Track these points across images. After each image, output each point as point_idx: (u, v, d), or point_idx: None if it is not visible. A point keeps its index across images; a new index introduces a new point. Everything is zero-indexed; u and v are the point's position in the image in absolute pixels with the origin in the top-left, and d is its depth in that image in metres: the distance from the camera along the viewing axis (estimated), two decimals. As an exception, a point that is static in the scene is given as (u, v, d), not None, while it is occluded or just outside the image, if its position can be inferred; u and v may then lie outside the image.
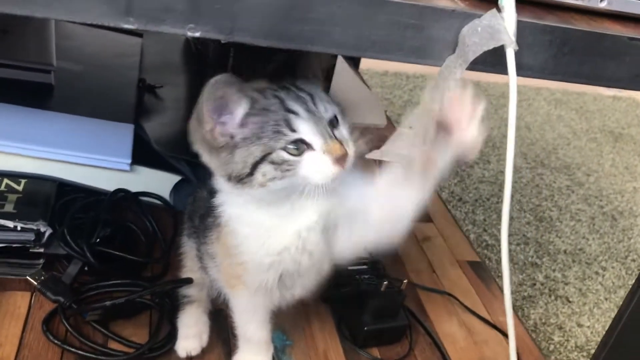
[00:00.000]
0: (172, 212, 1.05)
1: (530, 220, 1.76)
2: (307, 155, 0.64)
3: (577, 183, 2.02)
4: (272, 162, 0.63)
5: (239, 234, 0.72)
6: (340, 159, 0.64)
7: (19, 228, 0.88)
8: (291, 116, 0.64)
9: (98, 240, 0.94)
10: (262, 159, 0.63)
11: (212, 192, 0.74)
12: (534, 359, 1.00)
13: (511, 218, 1.75)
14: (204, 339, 0.87)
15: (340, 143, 0.64)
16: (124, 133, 1.04)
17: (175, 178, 1.05)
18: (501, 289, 1.20)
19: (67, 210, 0.96)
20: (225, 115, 0.63)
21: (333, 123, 0.66)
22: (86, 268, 0.91)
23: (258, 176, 0.64)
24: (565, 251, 1.66)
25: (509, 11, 0.52)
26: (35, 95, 1.07)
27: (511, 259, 1.58)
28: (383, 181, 0.67)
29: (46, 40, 1.12)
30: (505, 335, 1.02)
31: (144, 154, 1.04)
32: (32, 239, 0.89)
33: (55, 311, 0.86)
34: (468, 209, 1.74)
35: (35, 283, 0.88)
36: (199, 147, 0.66)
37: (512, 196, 1.84)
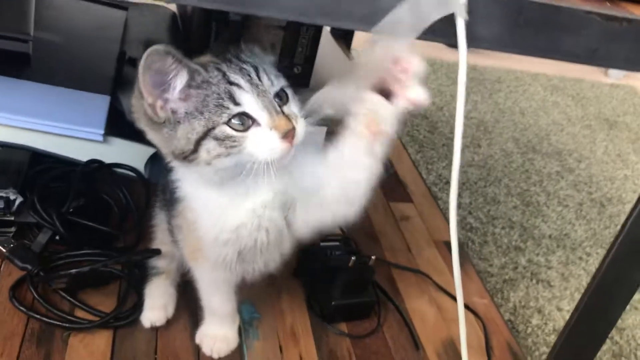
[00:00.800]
0: (146, 184, 1.05)
1: (517, 204, 1.76)
2: (253, 131, 0.62)
3: (567, 169, 2.01)
4: (216, 138, 0.61)
5: (195, 210, 0.72)
6: (288, 135, 0.62)
7: (-13, 195, 0.88)
8: (234, 88, 0.62)
9: (70, 210, 0.94)
10: (205, 135, 0.61)
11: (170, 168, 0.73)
12: (503, 339, 1.00)
13: (498, 202, 1.74)
14: (170, 310, 0.88)
15: (288, 118, 0.63)
16: (99, 104, 1.04)
17: (150, 150, 1.05)
18: (477, 271, 1.20)
19: (39, 180, 0.96)
20: (165, 89, 0.61)
21: (281, 97, 0.64)
22: (57, 237, 0.92)
23: (202, 153, 0.62)
24: (550, 236, 1.66)
25: (459, -22, 0.51)
26: (11, 64, 1.06)
27: (495, 242, 1.58)
28: (333, 161, 0.66)
29: (25, 10, 1.11)
30: (476, 315, 1.02)
31: (120, 126, 1.04)
32: (2, 206, 0.90)
33: (23, 279, 0.87)
34: (455, 191, 1.73)
35: (4, 250, 0.88)
36: (141, 124, 0.64)
37: (500, 180, 1.84)
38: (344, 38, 1.85)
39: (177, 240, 0.84)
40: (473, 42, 0.53)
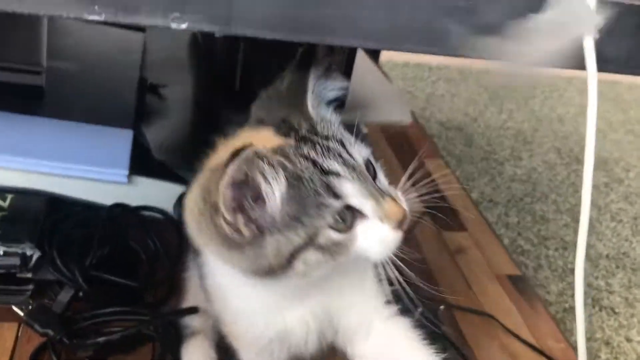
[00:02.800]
0: (177, 227, 0.95)
1: (568, 222, 1.63)
2: (361, 228, 0.49)
3: (616, 180, 1.88)
4: (320, 247, 0.49)
5: (229, 305, 0.60)
6: (401, 222, 0.50)
7: (1, 252, 0.79)
8: (331, 178, 0.48)
9: (93, 262, 0.84)
10: (304, 246, 0.49)
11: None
12: (587, 389, 0.88)
13: (547, 220, 1.62)
14: (212, 375, 0.77)
15: (394, 200, 0.50)
16: (122, 140, 0.94)
17: (179, 189, 0.95)
18: (543, 303, 1.08)
19: (58, 229, 0.86)
20: (253, 201, 0.48)
21: (369, 170, 0.52)
22: (80, 294, 0.82)
23: (298, 265, 0.49)
24: (607, 256, 1.53)
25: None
26: (23, 99, 0.97)
27: (549, 266, 1.46)
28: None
29: (36, 38, 1.01)
30: (553, 361, 0.90)
31: (144, 163, 0.95)
32: (18, 263, 0.80)
33: (44, 345, 0.77)
34: (500, 210, 1.62)
35: (22, 313, 0.79)
36: (209, 244, 0.52)
37: (547, 196, 1.72)
38: (372, 52, 1.75)
39: (210, 302, 0.73)
40: (604, 64, 0.42)
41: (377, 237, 0.49)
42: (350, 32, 0.39)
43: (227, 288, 0.59)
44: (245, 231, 0.48)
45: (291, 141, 0.50)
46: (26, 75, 0.98)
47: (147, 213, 0.95)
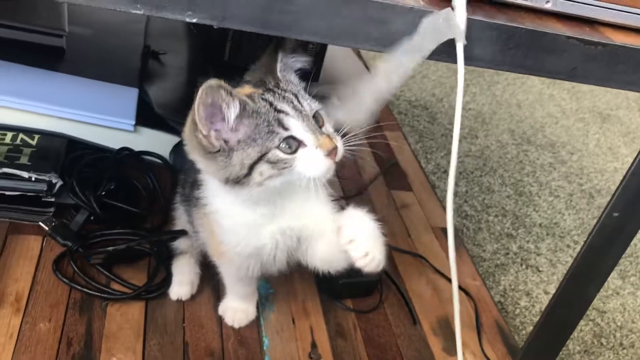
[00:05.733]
0: (171, 170, 1.15)
1: (511, 194, 1.86)
2: (301, 152, 0.70)
3: (560, 161, 2.11)
4: (269, 162, 0.69)
5: (222, 226, 0.80)
6: (331, 152, 0.70)
7: (33, 179, 0.98)
8: (282, 115, 0.70)
9: (103, 193, 1.04)
10: (259, 159, 0.69)
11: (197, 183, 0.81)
12: (492, 318, 1.11)
13: (492, 191, 1.85)
14: (195, 286, 0.98)
15: (330, 137, 0.71)
16: (129, 96, 1.14)
17: (174, 139, 1.15)
18: (471, 256, 1.31)
19: (75, 165, 1.06)
20: (219, 120, 0.68)
21: (318, 119, 0.73)
22: (92, 218, 1.01)
23: (255, 176, 0.70)
24: (540, 224, 1.76)
25: (460, 10, 0.60)
26: (47, 57, 1.15)
27: (488, 229, 1.68)
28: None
29: (59, 7, 1.20)
30: (468, 295, 1.13)
31: (147, 116, 1.14)
32: (45, 189, 0.99)
33: (64, 254, 0.97)
34: (452, 180, 1.83)
35: (47, 228, 0.98)
36: (195, 154, 0.71)
37: (496, 170, 1.95)
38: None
39: (198, 234, 0.93)
40: (471, 61, 0.63)
41: (312, 160, 0.70)
42: (303, 30, 0.60)
43: (221, 211, 0.79)
44: (216, 143, 0.69)
45: (259, 91, 0.72)
46: (50, 37, 1.16)
47: (147, 157, 1.15)
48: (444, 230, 1.28)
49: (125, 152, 1.12)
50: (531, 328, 1.41)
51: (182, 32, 1.44)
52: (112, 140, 1.11)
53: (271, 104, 0.71)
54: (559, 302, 0.93)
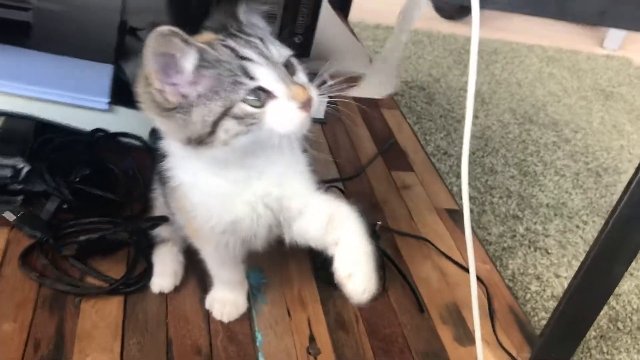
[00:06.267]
0: (151, 152, 1.05)
1: (515, 174, 1.77)
2: (271, 105, 0.60)
3: (564, 140, 2.02)
4: (235, 117, 0.60)
5: (191, 200, 0.71)
6: (306, 104, 0.61)
7: (-5, 164, 0.89)
8: (246, 63, 0.60)
9: (77, 179, 0.95)
10: (223, 115, 0.59)
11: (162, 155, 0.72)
12: (506, 303, 1.02)
13: (495, 172, 1.76)
14: (178, 277, 0.89)
15: (303, 87, 0.62)
16: (103, 73, 1.05)
17: (154, 119, 1.05)
18: (479, 238, 1.22)
19: (45, 149, 0.96)
20: (173, 72, 0.59)
21: (289, 67, 0.63)
22: (65, 206, 0.93)
23: (220, 134, 0.60)
24: (547, 205, 1.68)
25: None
26: (13, 33, 1.06)
27: (493, 211, 1.60)
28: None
29: (25, -22, 1.10)
30: (479, 279, 1.04)
31: (123, 95, 1.04)
32: (9, 175, 0.90)
33: (33, 246, 0.88)
34: (452, 162, 1.75)
35: (14, 217, 0.89)
36: (149, 112, 0.62)
37: (498, 150, 1.86)
38: (341, 9, 1.85)
39: (174, 215, 0.85)
40: (487, 3, 0.54)
41: (284, 113, 0.61)
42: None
43: (188, 182, 0.70)
44: (172, 98, 0.60)
45: (220, 36, 0.62)
46: (16, 11, 1.07)
47: (124, 139, 1.05)
48: (449, 212, 1.20)
49: (100, 134, 1.03)
50: (543, 314, 1.33)
51: (161, 6, 1.34)
52: (85, 120, 1.02)
53: (233, 50, 0.61)
54: (581, 285, 0.85)
